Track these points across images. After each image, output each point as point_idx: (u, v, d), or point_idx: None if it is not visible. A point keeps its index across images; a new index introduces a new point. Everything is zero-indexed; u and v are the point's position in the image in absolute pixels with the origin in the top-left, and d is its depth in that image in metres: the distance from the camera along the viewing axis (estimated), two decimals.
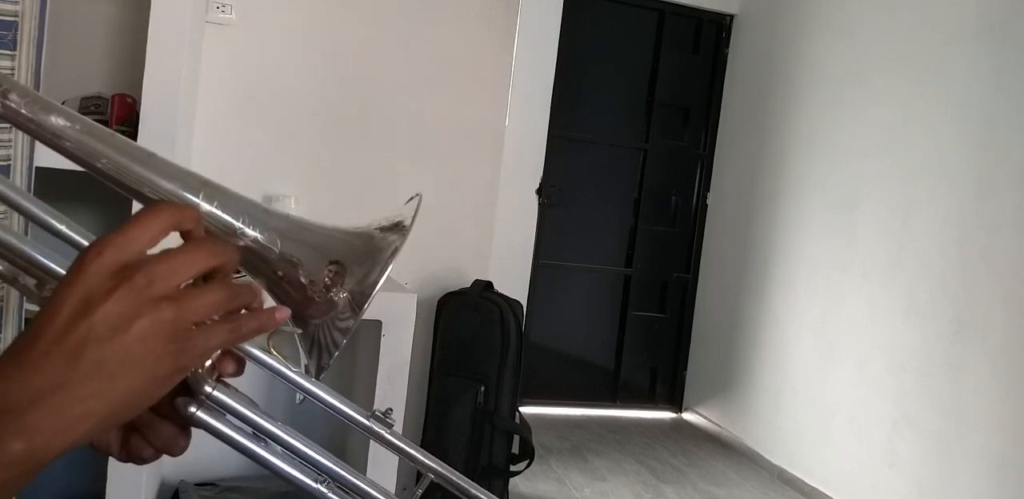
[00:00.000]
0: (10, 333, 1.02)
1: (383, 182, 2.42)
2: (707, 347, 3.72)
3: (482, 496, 0.52)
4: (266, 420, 0.46)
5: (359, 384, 2.12)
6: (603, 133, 3.72)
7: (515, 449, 2.41)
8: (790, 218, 3.17)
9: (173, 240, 0.41)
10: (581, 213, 3.67)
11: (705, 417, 3.65)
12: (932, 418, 2.37)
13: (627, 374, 3.82)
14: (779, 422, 3.10)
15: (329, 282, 0.45)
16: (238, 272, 0.43)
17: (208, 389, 0.44)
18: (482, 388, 2.32)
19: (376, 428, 0.50)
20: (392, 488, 1.93)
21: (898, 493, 2.46)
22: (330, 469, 0.47)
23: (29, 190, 1.09)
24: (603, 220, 3.77)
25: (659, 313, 3.86)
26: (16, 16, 0.97)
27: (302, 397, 0.49)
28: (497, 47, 2.53)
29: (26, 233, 0.95)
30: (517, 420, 2.37)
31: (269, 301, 0.45)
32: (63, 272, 0.42)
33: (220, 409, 0.44)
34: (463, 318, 2.36)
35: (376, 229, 0.47)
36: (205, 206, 0.44)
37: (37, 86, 1.05)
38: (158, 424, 0.45)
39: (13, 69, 0.98)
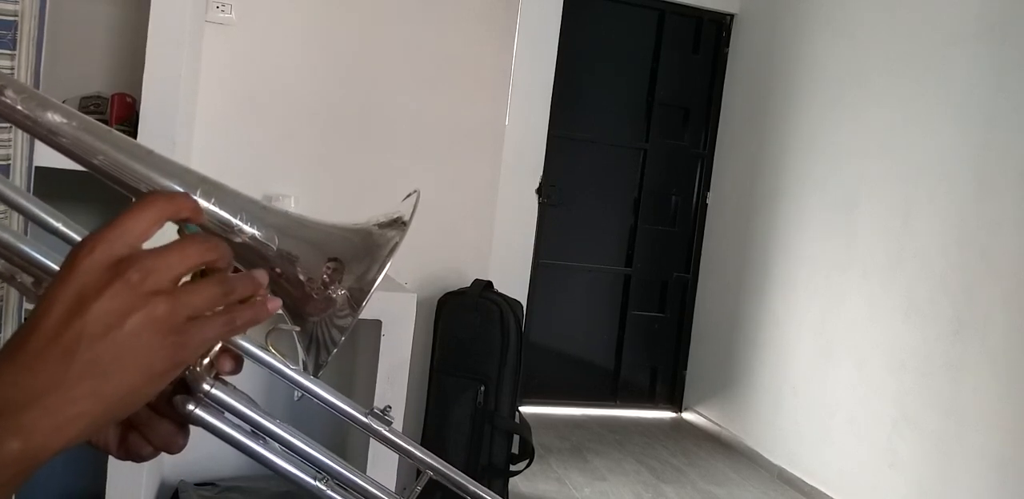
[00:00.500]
0: (10, 332, 1.02)
1: (383, 182, 2.42)
2: (707, 347, 3.72)
3: (481, 493, 0.52)
4: (264, 418, 0.46)
5: (359, 384, 2.12)
6: (603, 133, 3.72)
7: (515, 449, 2.40)
8: (790, 218, 3.17)
9: (168, 234, 0.41)
10: (581, 213, 3.67)
11: (705, 417, 3.64)
12: (932, 418, 2.37)
13: (627, 374, 3.82)
14: (779, 422, 3.09)
15: (327, 279, 0.45)
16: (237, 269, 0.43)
17: (206, 387, 0.44)
18: (482, 388, 2.32)
19: (375, 425, 0.49)
20: (392, 486, 1.93)
21: (898, 493, 2.46)
22: (329, 467, 0.47)
23: (29, 189, 1.09)
24: (603, 220, 3.77)
25: (659, 313, 3.86)
26: (16, 16, 0.97)
27: (300, 394, 0.49)
28: (497, 47, 2.53)
29: (26, 232, 0.95)
30: (517, 420, 2.37)
31: None
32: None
33: (218, 407, 0.44)
34: (463, 318, 2.36)
35: (375, 225, 0.47)
36: (203, 203, 0.44)
37: (37, 85, 1.05)
38: (156, 422, 0.44)
39: (13, 69, 0.98)
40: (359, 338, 2.11)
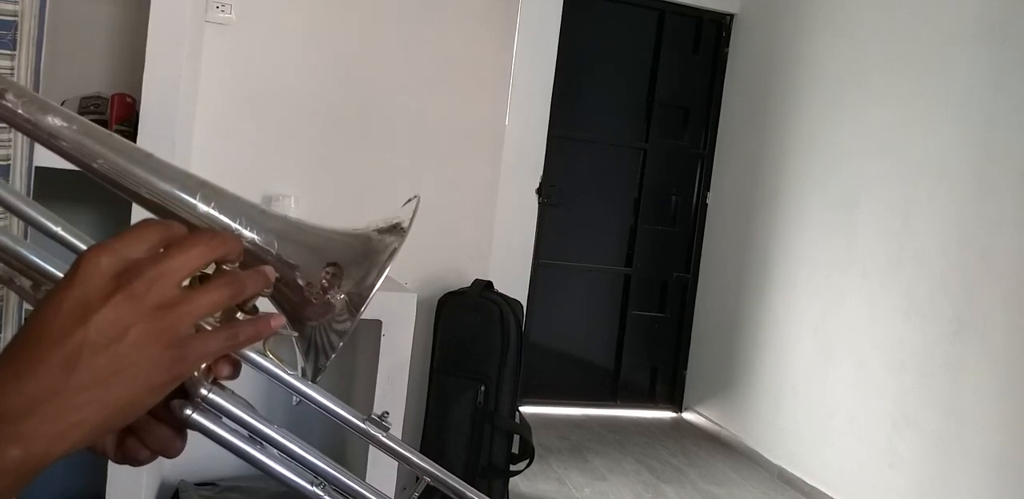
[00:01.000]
0: (10, 334, 1.02)
1: (383, 182, 2.42)
2: (707, 347, 3.72)
3: None
4: (262, 423, 0.46)
5: (359, 384, 2.12)
6: (603, 133, 3.72)
7: (515, 449, 2.40)
8: (790, 218, 3.17)
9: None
10: (581, 213, 3.67)
11: (705, 417, 3.65)
12: (932, 418, 2.37)
13: (627, 374, 3.82)
14: (779, 422, 3.09)
15: (326, 284, 0.45)
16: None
17: (204, 392, 0.44)
18: (482, 388, 2.32)
19: (372, 431, 0.49)
20: (391, 491, 1.93)
21: (898, 493, 2.46)
22: (325, 472, 0.47)
23: (29, 190, 1.09)
24: (603, 220, 3.77)
25: (659, 313, 3.86)
26: (16, 16, 0.97)
27: (298, 400, 0.49)
28: (497, 47, 2.53)
29: (25, 237, 0.95)
30: (517, 420, 2.37)
31: (265, 306, 0.45)
32: (58, 273, 0.42)
33: (216, 412, 0.44)
34: (463, 318, 2.36)
35: (374, 231, 0.47)
36: (202, 207, 0.44)
37: (37, 86, 1.05)
38: (154, 426, 0.44)
39: (13, 69, 0.98)
40: (359, 338, 2.11)
